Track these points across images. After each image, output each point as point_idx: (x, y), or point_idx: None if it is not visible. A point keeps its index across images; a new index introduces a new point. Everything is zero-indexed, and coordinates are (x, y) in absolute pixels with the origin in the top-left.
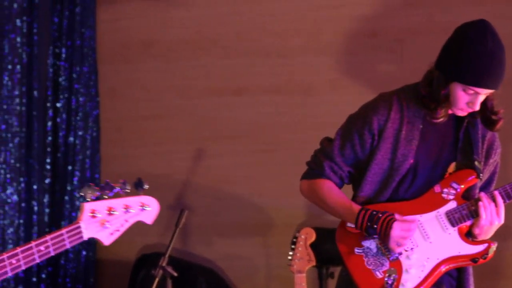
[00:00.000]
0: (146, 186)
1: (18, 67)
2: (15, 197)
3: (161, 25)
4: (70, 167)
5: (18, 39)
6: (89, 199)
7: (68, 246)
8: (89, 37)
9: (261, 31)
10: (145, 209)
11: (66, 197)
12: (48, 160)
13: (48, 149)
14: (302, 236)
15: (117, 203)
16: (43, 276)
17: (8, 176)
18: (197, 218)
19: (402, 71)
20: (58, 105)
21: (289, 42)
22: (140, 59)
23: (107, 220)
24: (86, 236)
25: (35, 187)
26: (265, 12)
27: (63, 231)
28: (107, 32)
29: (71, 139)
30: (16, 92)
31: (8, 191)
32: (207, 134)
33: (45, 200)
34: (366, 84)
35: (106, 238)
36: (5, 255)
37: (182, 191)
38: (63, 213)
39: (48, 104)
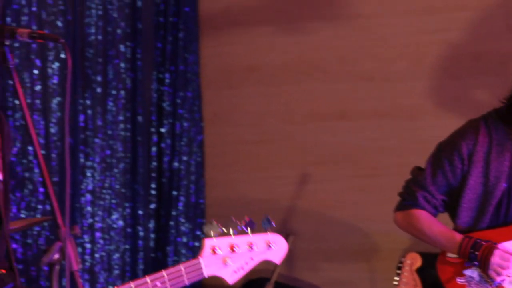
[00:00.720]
0: (273, 225)
1: (122, 92)
2: (120, 223)
3: (264, 50)
4: (175, 192)
5: (122, 65)
6: (211, 236)
7: (186, 283)
8: (193, 62)
9: (364, 55)
10: (272, 247)
11: (172, 223)
12: (153, 185)
13: (153, 174)
14: (408, 261)
15: (241, 241)
16: None
17: (113, 201)
18: (302, 243)
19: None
20: (163, 130)
21: (392, 66)
22: (243, 84)
23: (229, 257)
24: (206, 273)
25: (140, 212)
26: (368, 37)
27: (181, 266)
28: (210, 57)
29: (176, 164)
30: (121, 118)
31: (114, 217)
32: (311, 158)
33: (151, 225)
34: (470, 108)
35: (230, 276)
36: None
37: (287, 216)
38: (169, 239)
39: (153, 129)
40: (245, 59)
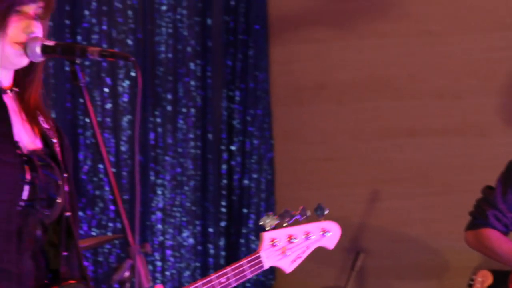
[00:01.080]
0: (326, 211)
1: (193, 110)
2: (191, 240)
3: (334, 67)
4: (245, 210)
5: (192, 83)
6: (268, 228)
7: (249, 276)
8: (263, 80)
9: (434, 72)
10: (326, 234)
11: (242, 240)
12: (223, 203)
13: (223, 192)
14: (479, 279)
15: (298, 230)
16: None
17: (184, 219)
18: (373, 261)
19: None
20: (233, 148)
21: (462, 83)
22: (313, 101)
23: (288, 248)
24: (267, 265)
25: (210, 230)
26: (438, 54)
27: (244, 261)
28: (280, 74)
29: (246, 182)
30: (191, 136)
31: (184, 234)
32: (381, 176)
33: (221, 243)
34: None
35: (288, 266)
36: None
37: (358, 233)
38: (239, 256)
39: (223, 147)
40: (315, 76)
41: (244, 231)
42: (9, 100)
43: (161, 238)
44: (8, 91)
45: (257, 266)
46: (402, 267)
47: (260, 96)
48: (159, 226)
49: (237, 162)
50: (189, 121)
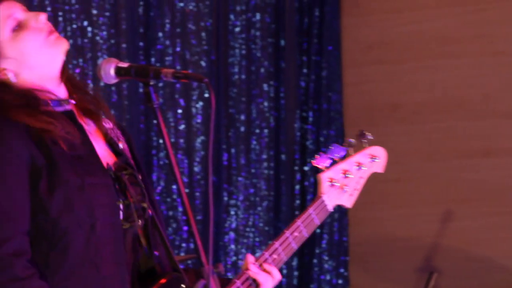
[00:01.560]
0: (369, 136)
1: (266, 131)
2: None
3: (407, 87)
4: (318, 230)
5: (266, 104)
6: (323, 168)
7: (318, 223)
8: (336, 100)
9: (508, 92)
10: (375, 160)
11: (315, 260)
12: None
13: (296, 213)
14: None
15: (350, 164)
16: None
17: (257, 239)
18: (446, 281)
19: None
20: (306, 168)
21: None
22: (385, 122)
23: (345, 184)
24: (330, 206)
25: None
26: None
27: (310, 210)
28: (353, 95)
29: None
30: (264, 156)
31: (258, 255)
32: (454, 196)
33: (294, 263)
34: None
35: (348, 201)
36: (266, 253)
37: (430, 253)
38: (312, 276)
39: (296, 168)
40: (388, 97)
41: (317, 251)
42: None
43: (234, 258)
44: (72, 101)
45: (323, 211)
46: (475, 287)
47: (333, 117)
48: (232, 247)
49: (310, 183)
50: (262, 142)
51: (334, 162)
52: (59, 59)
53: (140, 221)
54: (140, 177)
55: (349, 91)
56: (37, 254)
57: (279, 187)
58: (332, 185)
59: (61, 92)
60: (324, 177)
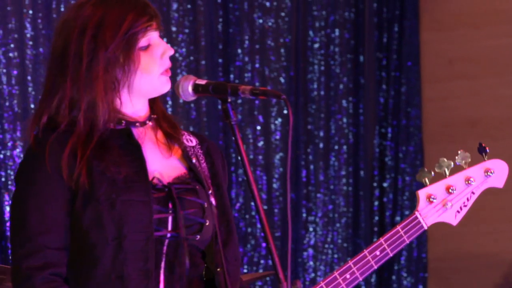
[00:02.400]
0: (487, 150)
1: (345, 147)
2: None
3: (487, 103)
4: None
5: (344, 120)
6: (425, 184)
7: (407, 241)
8: (415, 116)
9: None
10: (490, 174)
11: (393, 277)
12: (375, 240)
13: (375, 229)
14: None
15: (456, 179)
16: None
17: (335, 256)
18: None
19: None
20: (385, 184)
21: None
22: (466, 138)
23: (448, 199)
24: (427, 224)
25: None
26: None
27: (398, 227)
28: (432, 111)
29: (398, 218)
30: (343, 173)
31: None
32: None
33: (372, 279)
34: None
35: (453, 218)
36: (336, 273)
37: (510, 270)
38: None
39: (375, 184)
40: (468, 112)
41: (395, 267)
42: (148, 130)
43: (312, 275)
44: (148, 122)
45: (416, 228)
46: None
47: (412, 132)
48: (311, 263)
49: (389, 199)
50: (341, 158)
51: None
52: (158, 94)
53: (198, 236)
54: (209, 191)
55: (428, 107)
56: (73, 267)
57: (357, 203)
58: (431, 202)
59: (143, 109)
60: (421, 193)
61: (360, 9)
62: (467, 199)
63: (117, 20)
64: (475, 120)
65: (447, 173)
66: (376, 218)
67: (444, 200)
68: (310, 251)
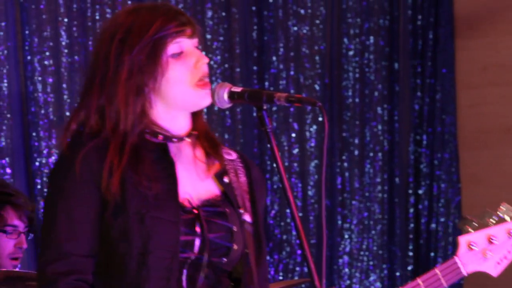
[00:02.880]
0: None
1: (380, 154)
2: (378, 284)
3: None
4: (432, 254)
5: (379, 127)
6: (466, 232)
7: (445, 285)
8: (450, 123)
9: None
10: None
11: None
12: (410, 247)
13: (410, 236)
14: None
15: (498, 230)
16: None
17: (371, 263)
18: None
19: None
20: (420, 191)
21: None
22: (501, 145)
23: (489, 249)
24: (465, 271)
25: (398, 274)
26: None
27: (437, 270)
28: (467, 117)
29: (433, 225)
30: (378, 180)
31: (371, 278)
32: None
33: None
34: None
35: (493, 268)
36: None
37: None
38: None
39: (410, 191)
40: (503, 119)
41: None
42: (185, 147)
43: (348, 282)
44: (186, 138)
45: (454, 273)
46: None
47: (447, 139)
48: (346, 270)
49: (424, 206)
50: (376, 165)
51: (480, 227)
52: (196, 107)
53: (224, 259)
54: (241, 210)
55: (463, 114)
56: (100, 276)
57: (393, 210)
58: (471, 249)
59: (183, 124)
60: (462, 240)
61: (395, 16)
62: (509, 252)
63: (145, 24)
64: (510, 127)
65: (489, 223)
66: (412, 225)
67: (484, 249)
68: (346, 258)
